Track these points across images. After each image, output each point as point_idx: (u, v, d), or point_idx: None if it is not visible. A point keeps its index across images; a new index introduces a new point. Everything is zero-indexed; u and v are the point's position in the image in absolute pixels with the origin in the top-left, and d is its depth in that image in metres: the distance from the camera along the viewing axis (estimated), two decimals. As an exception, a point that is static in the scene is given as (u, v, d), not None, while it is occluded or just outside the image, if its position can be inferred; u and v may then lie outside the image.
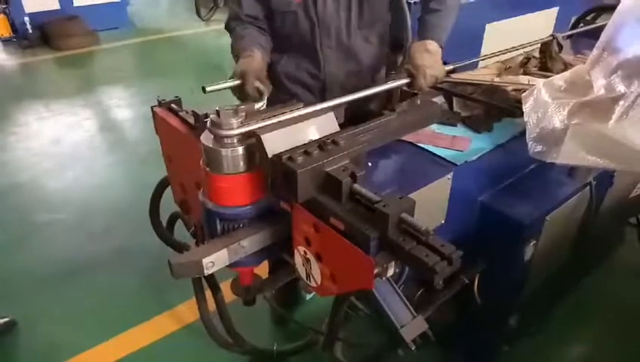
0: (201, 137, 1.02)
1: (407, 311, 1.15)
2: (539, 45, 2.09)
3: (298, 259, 1.05)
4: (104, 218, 3.22)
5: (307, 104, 1.10)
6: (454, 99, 1.79)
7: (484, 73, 2.09)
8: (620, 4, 1.62)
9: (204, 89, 1.30)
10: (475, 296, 1.66)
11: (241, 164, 0.99)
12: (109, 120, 4.87)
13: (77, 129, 4.60)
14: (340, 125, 1.11)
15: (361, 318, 1.33)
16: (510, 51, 1.91)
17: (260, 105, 1.27)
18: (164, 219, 1.72)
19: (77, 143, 4.32)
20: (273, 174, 0.97)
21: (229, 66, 1.65)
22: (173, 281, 1.22)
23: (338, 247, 0.90)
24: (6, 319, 2.34)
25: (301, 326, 1.97)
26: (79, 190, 3.60)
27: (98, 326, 2.36)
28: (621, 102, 1.38)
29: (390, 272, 0.90)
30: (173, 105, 1.38)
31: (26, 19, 6.87)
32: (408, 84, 1.43)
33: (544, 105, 1.48)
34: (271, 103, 1.26)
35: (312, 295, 2.37)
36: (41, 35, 6.95)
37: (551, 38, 2.05)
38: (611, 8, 1.68)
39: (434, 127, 1.61)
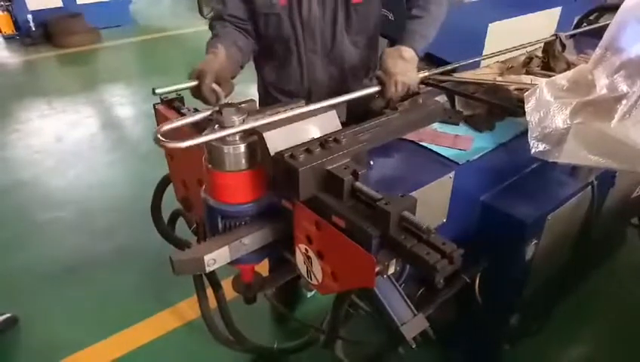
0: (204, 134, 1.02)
1: (408, 309, 1.15)
2: (541, 45, 2.08)
3: (299, 257, 1.05)
4: (105, 216, 3.22)
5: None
6: (456, 98, 1.79)
7: (486, 72, 2.08)
8: (623, 4, 1.62)
9: (153, 91, 1.24)
10: (476, 295, 1.66)
11: (243, 161, 0.99)
12: (110, 117, 4.88)
13: (79, 126, 4.61)
14: (341, 123, 1.11)
15: (362, 316, 1.33)
16: (512, 51, 1.90)
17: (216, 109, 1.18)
18: (165, 217, 1.72)
19: (79, 141, 4.33)
20: (275, 172, 0.97)
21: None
22: (174, 279, 1.23)
23: (339, 245, 0.90)
24: (7, 316, 2.35)
25: (302, 324, 1.98)
26: (81, 188, 3.60)
27: (99, 324, 2.37)
28: (624, 102, 1.37)
29: (391, 270, 0.90)
30: (175, 102, 1.38)
31: (29, 16, 6.89)
32: (378, 92, 1.38)
33: (546, 104, 1.48)
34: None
35: (312, 293, 2.38)
36: (44, 32, 6.97)
37: (554, 37, 2.04)
38: (614, 8, 1.68)
39: (436, 125, 1.60)
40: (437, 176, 1.37)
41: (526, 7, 3.62)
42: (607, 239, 2.40)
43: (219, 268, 1.04)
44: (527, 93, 1.56)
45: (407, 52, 1.43)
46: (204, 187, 1.08)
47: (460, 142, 1.54)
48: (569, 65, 2.02)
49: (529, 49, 2.06)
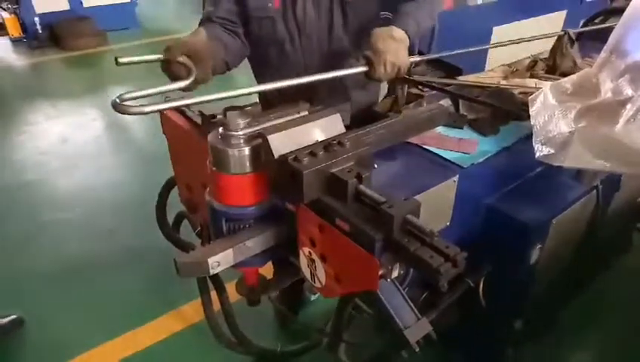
0: (208, 137, 1.03)
1: (412, 312, 1.15)
2: (547, 48, 2.07)
3: (303, 260, 1.06)
4: (111, 217, 3.24)
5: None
6: (460, 102, 1.78)
7: (490, 76, 2.08)
8: (629, 7, 1.61)
9: (116, 60, 1.18)
10: (480, 299, 1.65)
11: (248, 164, 1.00)
12: (116, 120, 4.90)
13: (85, 128, 4.64)
14: (345, 127, 1.11)
15: (366, 319, 1.33)
16: (519, 43, 1.83)
17: (186, 83, 1.15)
18: (170, 219, 1.73)
19: (85, 143, 4.36)
20: (279, 175, 0.97)
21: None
22: (179, 281, 1.23)
23: (343, 248, 0.90)
24: (13, 316, 2.36)
25: (305, 326, 1.98)
26: (86, 189, 3.63)
27: (104, 325, 2.38)
28: (628, 106, 1.37)
29: (395, 274, 0.90)
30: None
31: (36, 19, 6.96)
32: (366, 73, 1.31)
33: (551, 108, 1.47)
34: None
35: (316, 296, 2.38)
36: (51, 35, 7.03)
37: (563, 33, 2.03)
38: (620, 11, 1.67)
39: (440, 129, 1.60)
40: (441, 179, 1.37)
41: (531, 11, 3.62)
42: (612, 243, 2.39)
43: (223, 270, 1.05)
44: (531, 96, 1.56)
45: (398, 32, 1.35)
46: (208, 190, 1.08)
47: (464, 145, 1.54)
48: (576, 64, 2.01)
49: (533, 52, 2.05)
